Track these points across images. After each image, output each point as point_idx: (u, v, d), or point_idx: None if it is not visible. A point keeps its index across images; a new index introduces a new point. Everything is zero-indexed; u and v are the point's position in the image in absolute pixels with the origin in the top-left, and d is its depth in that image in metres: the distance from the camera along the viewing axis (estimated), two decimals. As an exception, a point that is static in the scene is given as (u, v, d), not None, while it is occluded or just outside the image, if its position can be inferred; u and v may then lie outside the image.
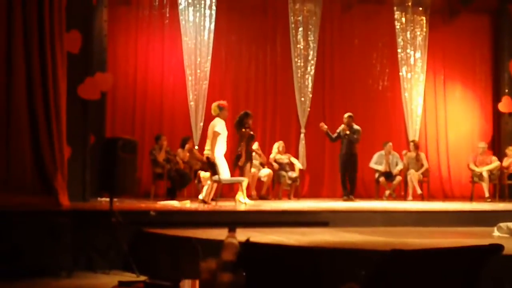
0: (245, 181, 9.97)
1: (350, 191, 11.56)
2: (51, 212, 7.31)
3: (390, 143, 12.41)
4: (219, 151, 9.45)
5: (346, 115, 11.60)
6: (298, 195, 12.03)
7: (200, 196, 9.49)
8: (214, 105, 9.79)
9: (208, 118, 10.02)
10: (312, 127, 12.74)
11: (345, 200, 11.34)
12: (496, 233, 7.28)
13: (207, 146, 9.61)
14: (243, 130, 9.99)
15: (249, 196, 11.14)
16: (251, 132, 10.22)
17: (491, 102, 13.79)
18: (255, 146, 11.61)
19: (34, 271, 6.48)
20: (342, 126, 11.51)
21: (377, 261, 4.06)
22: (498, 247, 4.12)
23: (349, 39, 13.22)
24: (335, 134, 11.57)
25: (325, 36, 13.01)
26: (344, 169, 11.56)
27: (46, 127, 8.10)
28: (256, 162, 11.62)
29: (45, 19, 8.24)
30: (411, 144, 12.63)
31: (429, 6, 13.30)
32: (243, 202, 9.61)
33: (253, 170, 11.39)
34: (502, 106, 13.36)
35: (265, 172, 11.62)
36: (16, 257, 6.42)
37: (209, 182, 9.89)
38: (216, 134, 9.39)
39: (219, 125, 9.49)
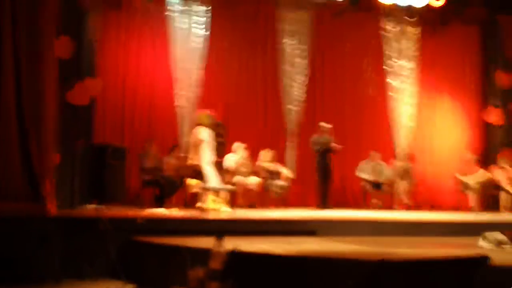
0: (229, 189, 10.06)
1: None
2: (39, 219, 7.29)
3: (377, 152, 12.47)
4: (206, 158, 9.46)
5: None
6: (286, 204, 12.03)
7: (199, 206, 9.56)
8: (202, 115, 9.82)
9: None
10: (302, 135, 12.76)
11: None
12: (481, 243, 7.33)
13: (191, 155, 9.64)
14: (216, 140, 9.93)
15: (237, 204, 11.16)
16: (222, 140, 10.20)
17: (479, 112, 13.86)
18: (243, 154, 11.61)
19: (21, 278, 6.46)
20: None
21: (366, 271, 4.09)
22: (484, 259, 4.17)
23: (339, 47, 13.26)
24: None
25: (315, 44, 13.00)
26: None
27: (35, 133, 8.07)
28: (244, 170, 11.62)
29: (35, 24, 8.22)
30: (404, 155, 12.67)
31: (419, 16, 13.36)
32: (224, 210, 9.68)
33: (241, 178, 11.40)
34: (491, 117, 13.44)
35: (253, 180, 11.61)
36: (3, 264, 6.39)
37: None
38: (199, 142, 9.43)
39: (203, 133, 9.54)
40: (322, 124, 11.71)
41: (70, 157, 9.21)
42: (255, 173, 11.81)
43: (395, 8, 13.04)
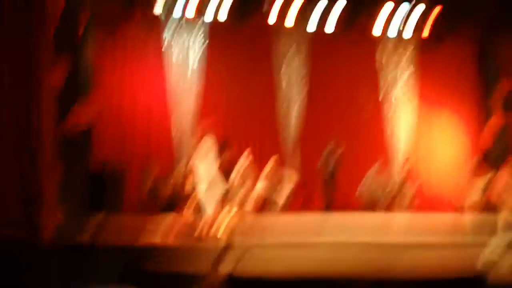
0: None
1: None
2: (34, 246, 7.25)
3: (379, 164, 12.51)
4: (203, 183, 9.48)
5: None
6: (290, 211, 12.01)
7: (197, 232, 9.56)
8: (195, 138, 9.89)
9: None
10: (301, 149, 12.80)
11: None
12: (491, 247, 7.29)
13: (191, 180, 9.68)
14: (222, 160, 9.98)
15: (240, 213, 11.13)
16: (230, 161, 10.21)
17: (479, 124, 13.85)
18: (246, 165, 11.62)
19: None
20: None
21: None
22: (482, 279, 4.14)
23: (337, 65, 13.24)
24: None
25: (313, 64, 13.06)
26: None
27: (32, 158, 8.06)
28: (248, 181, 11.60)
29: (32, 51, 8.26)
30: (402, 166, 12.69)
31: (411, 41, 13.46)
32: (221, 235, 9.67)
33: (244, 190, 11.39)
34: (490, 128, 13.43)
35: (257, 190, 11.60)
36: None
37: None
38: (197, 167, 9.48)
39: (201, 158, 9.57)
40: (330, 145, 11.85)
41: (70, 178, 9.19)
42: (258, 183, 11.80)
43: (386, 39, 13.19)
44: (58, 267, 6.65)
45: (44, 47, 8.33)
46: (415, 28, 13.07)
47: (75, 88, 9.54)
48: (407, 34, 13.06)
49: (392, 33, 13.02)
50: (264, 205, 11.74)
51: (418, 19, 13.06)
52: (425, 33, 13.01)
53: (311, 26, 12.80)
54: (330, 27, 12.82)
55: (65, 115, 9.28)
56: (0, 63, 8.19)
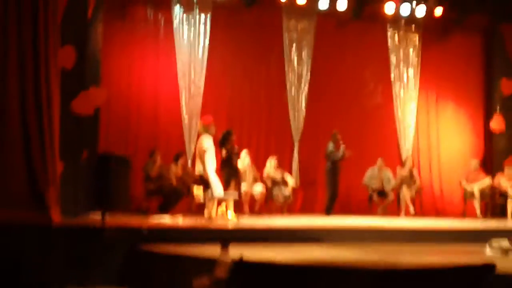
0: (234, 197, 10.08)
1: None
2: (43, 228, 7.28)
3: (383, 160, 12.45)
4: (210, 167, 9.52)
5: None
6: (291, 211, 12.01)
7: (205, 215, 9.57)
8: (204, 123, 9.92)
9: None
10: (306, 143, 12.77)
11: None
12: (488, 251, 7.30)
13: (198, 164, 9.71)
14: (227, 148, 10.03)
15: (242, 212, 11.14)
16: (235, 149, 10.24)
17: (483, 120, 13.85)
18: (247, 161, 11.61)
19: (26, 286, 6.45)
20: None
21: (371, 279, 4.08)
22: (491, 267, 4.14)
23: (343, 56, 13.22)
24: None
25: (319, 53, 13.02)
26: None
27: (39, 142, 8.09)
28: (249, 178, 11.61)
29: (39, 34, 8.26)
30: (409, 162, 12.64)
31: (422, 24, 13.36)
32: (229, 218, 9.67)
33: (246, 186, 11.38)
34: (494, 124, 13.41)
35: (258, 188, 11.60)
36: (9, 273, 6.39)
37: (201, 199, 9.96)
38: (204, 152, 9.51)
39: (206, 142, 9.59)
40: (336, 133, 11.76)
41: (75, 166, 9.19)
42: (260, 180, 11.79)
43: (398, 18, 13.05)
44: (65, 247, 6.66)
45: (52, 29, 8.34)
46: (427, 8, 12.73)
47: (82, 72, 9.49)
48: (420, 12, 12.76)
49: (405, 11, 12.72)
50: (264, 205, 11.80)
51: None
52: (438, 12, 12.72)
53: (323, 3, 12.40)
54: (342, 5, 12.46)
55: (73, 99, 9.27)
56: (8, 45, 8.22)
